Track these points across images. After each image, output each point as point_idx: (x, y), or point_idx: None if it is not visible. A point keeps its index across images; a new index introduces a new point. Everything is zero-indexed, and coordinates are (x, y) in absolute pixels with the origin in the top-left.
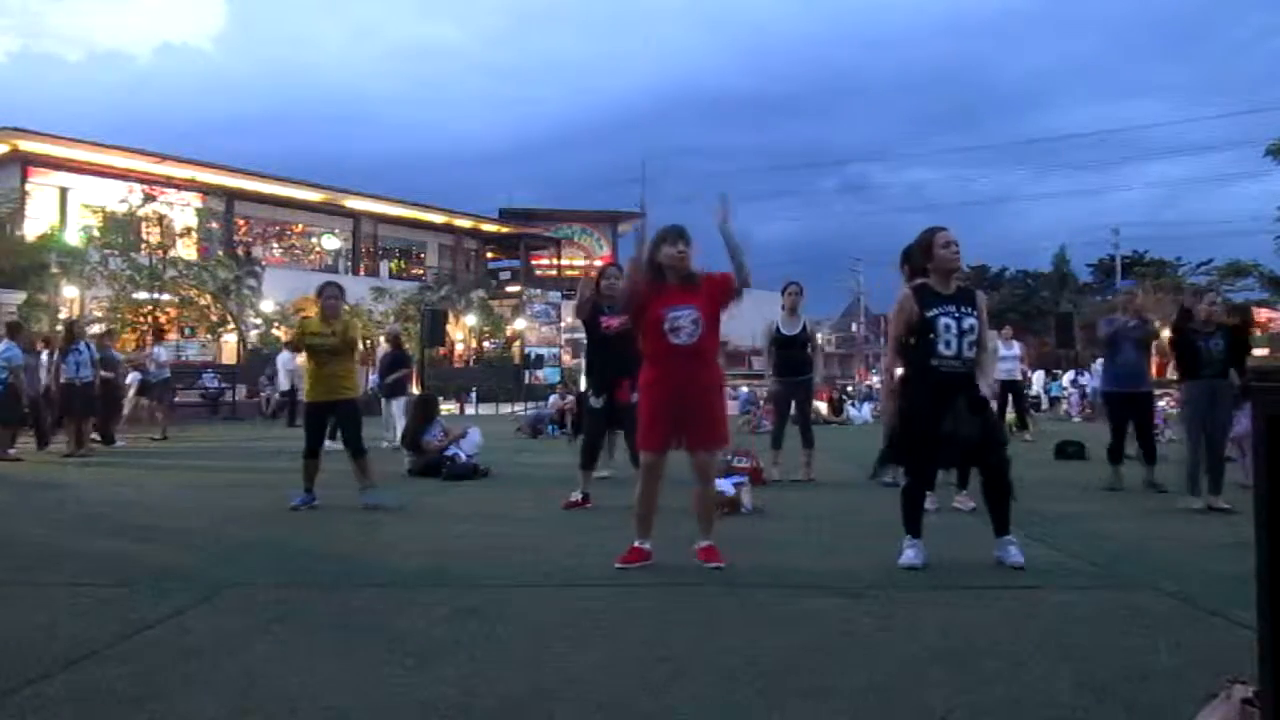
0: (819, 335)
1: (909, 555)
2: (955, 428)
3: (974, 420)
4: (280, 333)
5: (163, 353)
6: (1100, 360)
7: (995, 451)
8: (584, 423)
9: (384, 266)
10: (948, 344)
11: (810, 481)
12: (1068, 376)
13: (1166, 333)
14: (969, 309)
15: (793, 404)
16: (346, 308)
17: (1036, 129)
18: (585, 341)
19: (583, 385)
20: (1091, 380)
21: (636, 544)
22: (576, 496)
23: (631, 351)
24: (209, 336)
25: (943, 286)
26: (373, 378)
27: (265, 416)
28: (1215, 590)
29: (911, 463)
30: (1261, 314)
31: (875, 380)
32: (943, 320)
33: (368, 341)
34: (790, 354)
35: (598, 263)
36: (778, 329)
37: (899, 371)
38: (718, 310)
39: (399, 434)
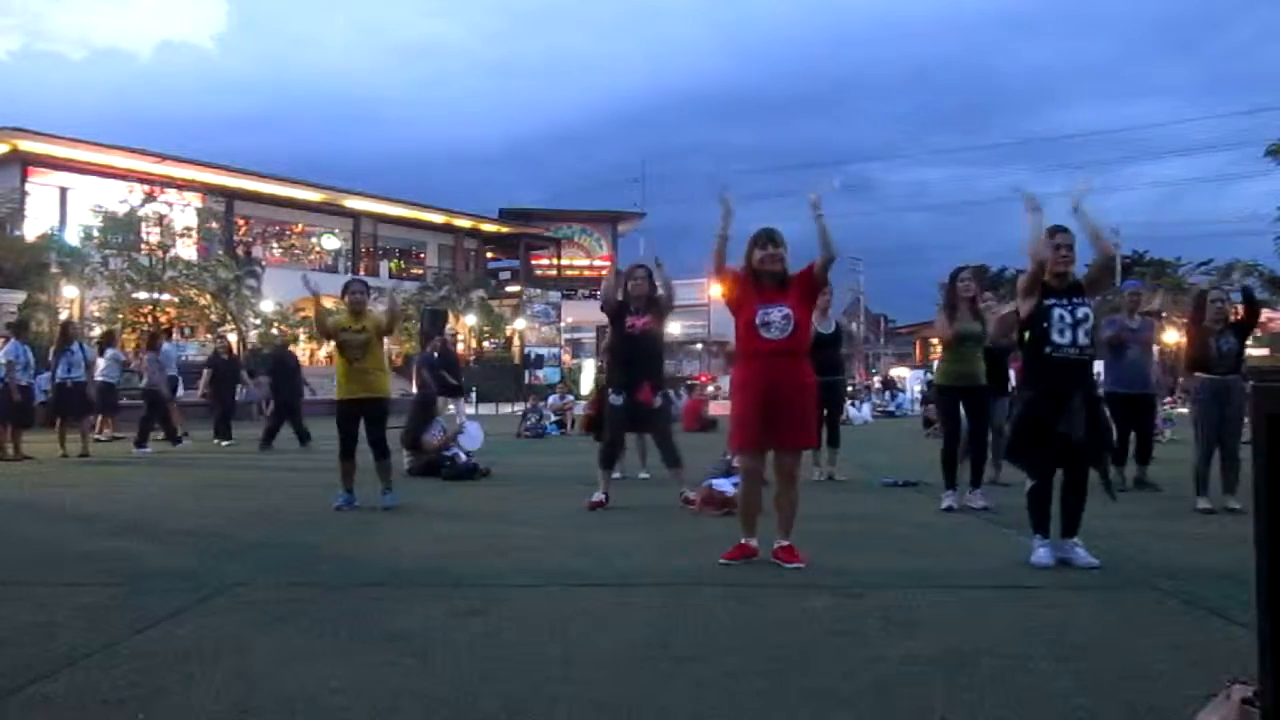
0: (853, 325)
1: (1040, 555)
2: (1070, 428)
3: (1084, 420)
4: (280, 333)
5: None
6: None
7: (1093, 456)
8: (605, 421)
9: (384, 266)
10: (1062, 332)
11: (834, 481)
12: None
13: (1172, 335)
14: (1081, 299)
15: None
16: (345, 305)
17: (1038, 129)
18: (609, 338)
19: (584, 384)
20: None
21: (743, 540)
22: (599, 497)
23: (655, 352)
24: (209, 337)
25: (1057, 282)
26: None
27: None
28: (1215, 590)
29: (1031, 462)
30: (1262, 314)
31: (877, 381)
32: (1056, 310)
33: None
34: (823, 354)
35: (598, 262)
36: (814, 330)
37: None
38: (810, 309)
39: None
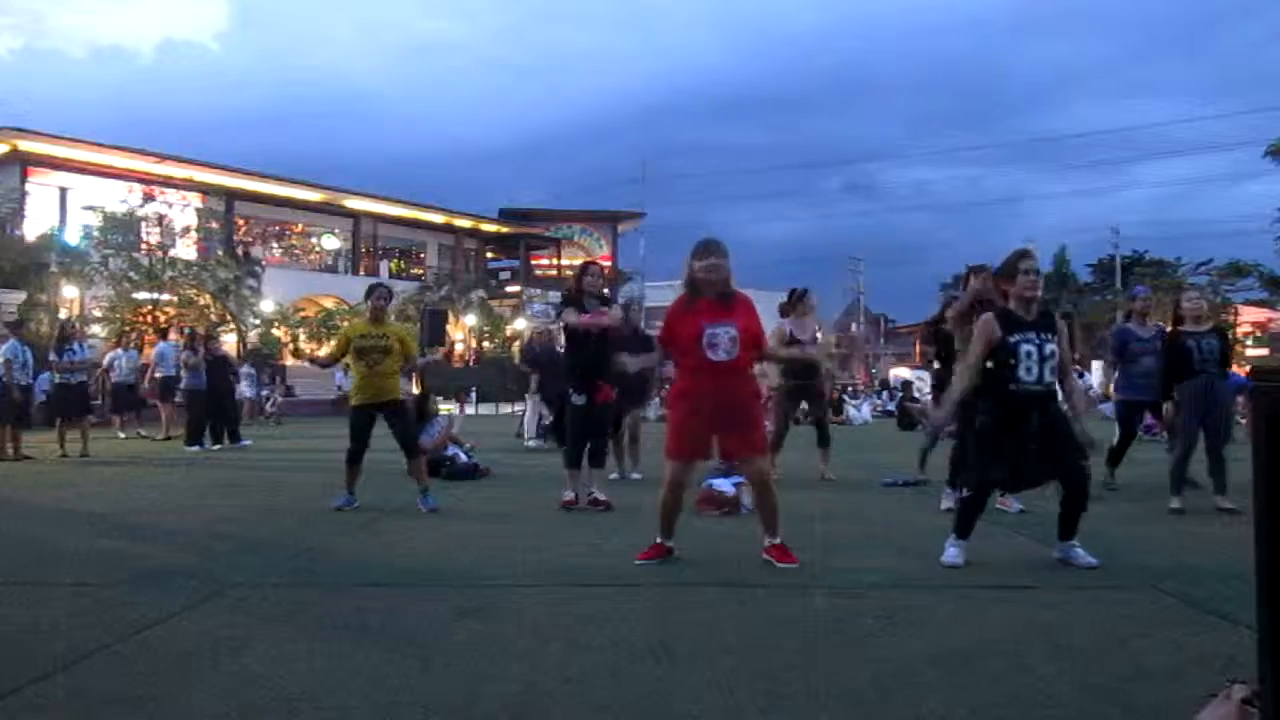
0: (854, 326)
1: (951, 554)
2: (1022, 457)
3: (1044, 441)
4: (280, 333)
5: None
6: (1097, 361)
7: (1070, 464)
8: (568, 421)
9: (384, 266)
10: (1029, 370)
11: (829, 481)
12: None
13: None
14: (1050, 335)
15: (803, 404)
16: (347, 307)
17: (1040, 129)
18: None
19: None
20: (1086, 379)
21: (658, 540)
22: (569, 495)
23: (608, 350)
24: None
25: (1024, 312)
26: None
27: (265, 417)
28: (1215, 590)
29: (976, 479)
30: (1262, 314)
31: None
32: (1024, 347)
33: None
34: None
35: (598, 262)
36: (790, 333)
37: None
38: (753, 330)
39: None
